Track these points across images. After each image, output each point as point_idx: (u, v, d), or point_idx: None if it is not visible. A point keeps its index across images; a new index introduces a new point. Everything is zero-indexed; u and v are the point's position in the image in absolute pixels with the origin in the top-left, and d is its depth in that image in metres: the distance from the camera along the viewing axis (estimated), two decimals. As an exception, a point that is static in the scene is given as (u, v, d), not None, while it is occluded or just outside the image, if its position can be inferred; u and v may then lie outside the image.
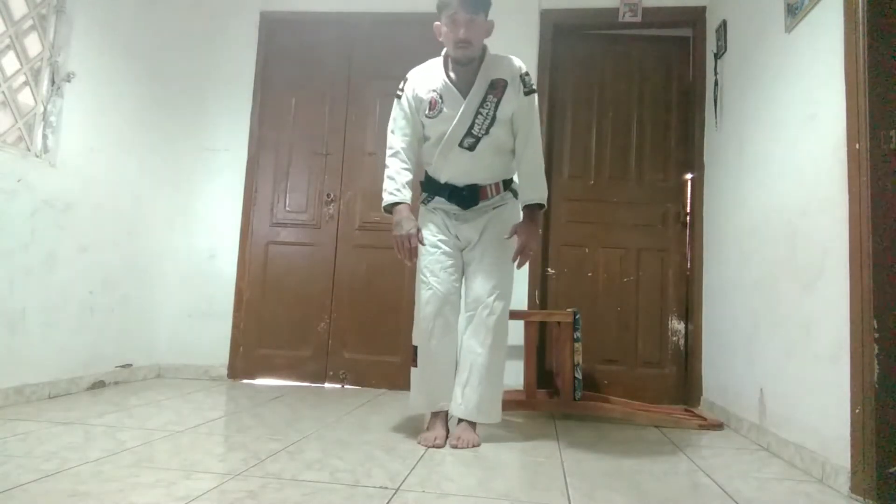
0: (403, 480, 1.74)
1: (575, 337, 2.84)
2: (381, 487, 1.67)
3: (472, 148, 2.25)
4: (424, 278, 2.31)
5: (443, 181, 2.35)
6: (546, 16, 3.61)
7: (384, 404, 3.01)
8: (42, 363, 2.73)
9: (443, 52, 2.29)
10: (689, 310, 3.44)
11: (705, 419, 2.83)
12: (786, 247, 2.31)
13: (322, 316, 3.61)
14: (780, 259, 2.35)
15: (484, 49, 2.26)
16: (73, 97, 2.87)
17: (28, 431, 2.11)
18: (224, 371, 3.59)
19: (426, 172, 2.41)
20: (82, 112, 2.94)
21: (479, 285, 2.30)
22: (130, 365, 3.36)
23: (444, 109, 2.24)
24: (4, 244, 2.52)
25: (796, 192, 2.24)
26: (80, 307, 2.97)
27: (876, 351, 1.72)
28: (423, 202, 2.42)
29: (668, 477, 1.94)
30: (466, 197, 2.33)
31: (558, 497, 1.67)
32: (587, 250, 3.58)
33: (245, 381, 3.57)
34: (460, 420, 2.28)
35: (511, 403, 2.72)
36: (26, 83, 2.71)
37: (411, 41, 3.60)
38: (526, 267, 3.18)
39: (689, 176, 3.53)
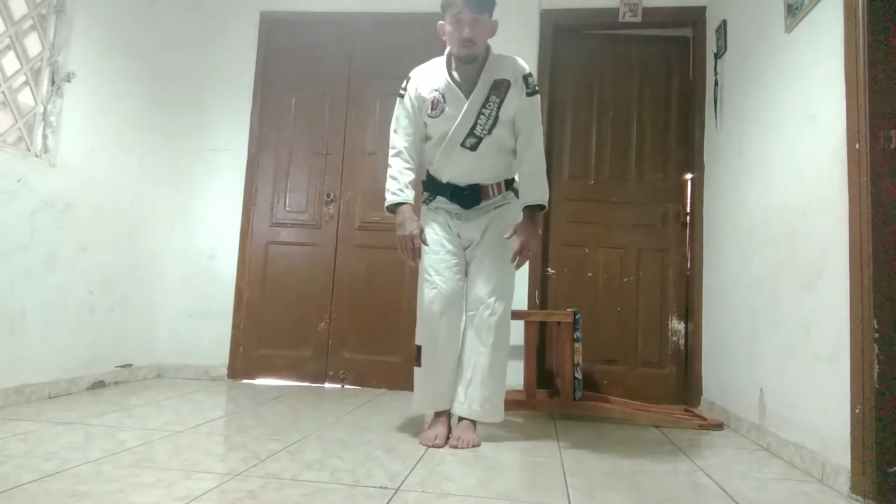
0: (403, 480, 1.74)
1: (575, 337, 2.84)
2: (381, 487, 1.67)
3: (474, 148, 2.25)
4: (429, 277, 2.31)
5: (444, 181, 2.35)
6: (546, 16, 3.61)
7: (384, 404, 3.01)
8: (42, 363, 2.73)
9: (446, 52, 2.29)
10: (689, 310, 3.45)
11: (705, 419, 2.83)
12: (786, 247, 2.31)
13: (322, 316, 3.61)
14: (780, 259, 2.35)
15: (487, 49, 2.26)
16: (73, 97, 2.87)
17: (28, 431, 2.11)
18: (224, 371, 3.59)
19: (427, 172, 2.41)
20: (82, 112, 2.94)
21: (481, 285, 2.31)
22: (130, 365, 3.36)
23: (447, 109, 2.24)
24: (4, 244, 2.52)
25: (796, 192, 2.24)
26: (80, 307, 2.97)
27: (876, 351, 1.72)
28: (424, 202, 2.42)
29: (668, 477, 1.94)
30: (468, 197, 2.33)
31: (558, 497, 1.67)
32: (587, 250, 3.58)
33: (245, 381, 3.57)
34: (461, 419, 2.28)
35: (511, 403, 2.71)
36: (26, 83, 2.71)
37: (411, 41, 3.60)
38: (526, 267, 3.19)
39: (689, 176, 3.53)
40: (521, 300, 3.35)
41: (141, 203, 3.38)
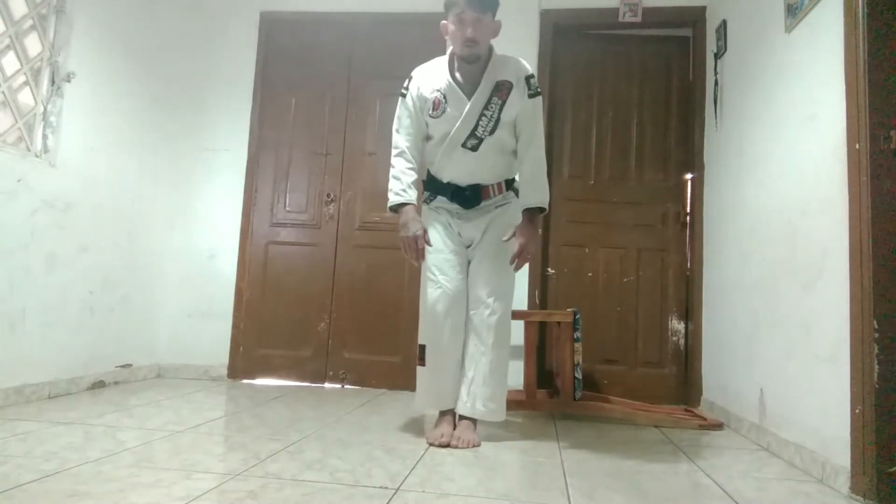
0: (403, 480, 1.74)
1: (575, 337, 2.84)
2: (381, 487, 1.67)
3: (475, 149, 2.25)
4: (433, 277, 2.31)
5: (445, 181, 2.35)
6: (546, 16, 3.61)
7: (384, 404, 3.01)
8: (42, 363, 2.73)
9: (448, 52, 2.28)
10: (689, 310, 3.45)
11: (705, 419, 2.83)
12: (786, 247, 2.31)
13: (322, 316, 3.61)
14: (780, 259, 2.35)
15: (490, 49, 2.26)
16: (73, 97, 2.87)
17: (28, 431, 2.11)
18: (224, 371, 3.59)
19: (428, 171, 2.41)
20: (82, 112, 2.94)
21: (482, 285, 2.31)
22: (130, 365, 3.36)
23: (448, 110, 2.23)
24: (4, 244, 2.52)
25: (796, 192, 2.24)
26: (80, 307, 2.97)
27: (876, 351, 1.72)
28: (425, 201, 2.42)
29: (668, 477, 1.94)
30: (469, 197, 2.33)
31: (558, 497, 1.67)
32: (587, 250, 3.58)
33: (245, 381, 3.57)
34: (462, 418, 2.28)
35: (511, 403, 2.71)
36: (26, 83, 2.71)
37: (411, 41, 3.61)
38: (526, 267, 3.18)
39: (689, 176, 3.53)
40: (521, 300, 3.35)
41: (141, 203, 3.38)
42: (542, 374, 3.28)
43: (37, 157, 2.73)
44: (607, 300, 3.53)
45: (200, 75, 3.75)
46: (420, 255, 2.24)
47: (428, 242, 2.27)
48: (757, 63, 2.71)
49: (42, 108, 2.78)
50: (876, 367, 1.72)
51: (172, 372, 3.60)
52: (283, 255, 3.68)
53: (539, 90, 2.27)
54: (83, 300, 2.98)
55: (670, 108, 3.63)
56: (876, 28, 1.82)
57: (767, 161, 2.54)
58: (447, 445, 2.16)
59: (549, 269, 3.57)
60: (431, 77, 2.28)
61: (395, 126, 2.34)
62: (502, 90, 2.21)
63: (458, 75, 2.25)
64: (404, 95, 2.31)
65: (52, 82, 2.80)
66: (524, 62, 2.28)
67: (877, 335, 1.72)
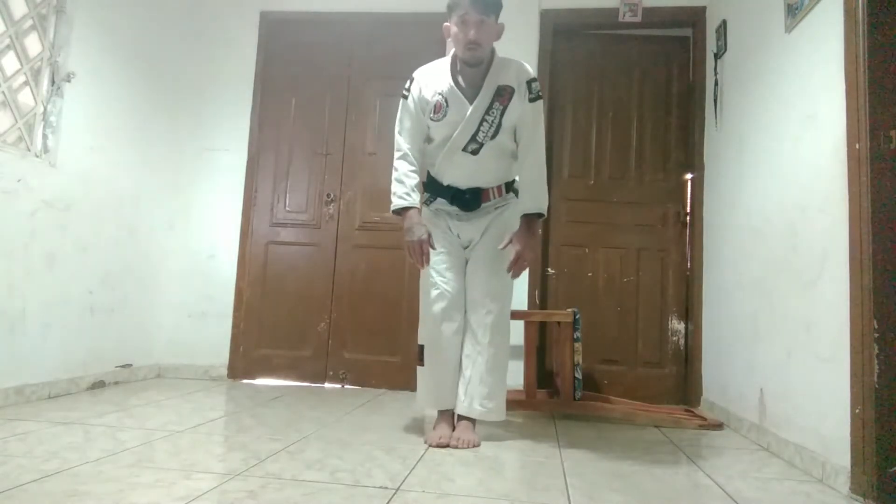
0: (403, 480, 1.74)
1: (575, 337, 2.84)
2: (381, 487, 1.67)
3: (475, 153, 2.25)
4: (432, 278, 2.31)
5: (445, 183, 2.34)
6: (546, 16, 3.61)
7: (384, 404, 3.01)
8: (42, 363, 2.73)
9: (451, 54, 2.27)
10: (689, 310, 3.45)
11: (705, 419, 2.83)
12: (786, 247, 2.31)
13: (322, 316, 3.61)
14: (780, 259, 2.35)
15: (492, 52, 2.24)
16: (73, 97, 2.87)
17: (28, 431, 2.11)
18: (224, 371, 3.59)
19: (428, 173, 2.40)
20: (82, 112, 2.94)
21: (479, 285, 2.30)
22: (130, 365, 3.36)
23: (449, 114, 2.22)
24: (4, 244, 2.52)
25: (796, 192, 2.24)
26: (80, 307, 2.97)
27: (876, 351, 1.72)
28: (425, 203, 2.42)
29: (668, 477, 1.94)
30: (469, 200, 2.33)
31: (558, 497, 1.67)
32: (587, 250, 3.58)
33: (245, 381, 3.57)
34: (461, 419, 2.28)
35: (511, 403, 2.71)
36: (26, 83, 2.71)
37: (411, 41, 3.61)
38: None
39: (689, 176, 3.53)
40: (521, 300, 3.35)
41: (141, 203, 3.39)
42: (542, 374, 3.28)
43: (37, 157, 2.73)
44: (607, 300, 3.53)
45: (200, 75, 3.76)
46: (426, 259, 2.23)
47: (433, 246, 2.26)
48: (757, 63, 2.71)
49: (42, 108, 2.78)
50: (876, 367, 1.72)
51: (172, 372, 3.60)
52: (283, 255, 3.68)
53: (540, 94, 2.25)
54: (83, 300, 2.98)
55: (670, 108, 3.63)
56: (876, 28, 1.82)
57: (767, 161, 2.54)
58: (446, 446, 2.16)
59: (549, 269, 3.57)
60: (433, 79, 2.27)
61: (397, 128, 2.33)
62: (504, 95, 2.20)
63: (459, 79, 2.24)
64: (406, 97, 2.30)
65: (52, 82, 2.80)
66: (526, 65, 2.27)
67: (877, 335, 1.72)
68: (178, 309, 3.64)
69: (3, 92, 2.59)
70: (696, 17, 3.53)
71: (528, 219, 2.26)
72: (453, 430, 2.26)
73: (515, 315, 2.66)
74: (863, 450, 1.73)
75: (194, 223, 3.72)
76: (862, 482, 1.73)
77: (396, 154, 2.31)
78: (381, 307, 3.56)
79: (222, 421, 2.50)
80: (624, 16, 3.55)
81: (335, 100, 3.74)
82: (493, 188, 2.34)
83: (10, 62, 2.63)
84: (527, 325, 2.97)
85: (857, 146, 1.82)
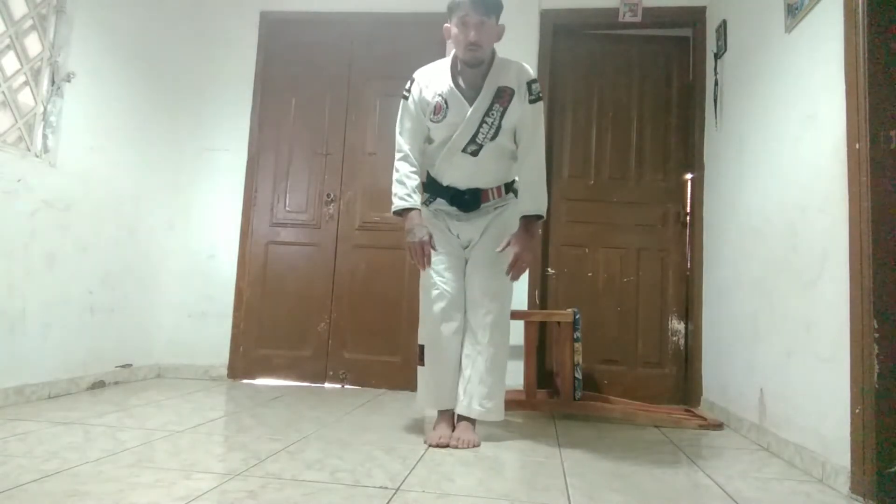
0: (403, 480, 1.74)
1: (575, 337, 2.84)
2: (381, 487, 1.67)
3: (475, 154, 2.25)
4: (432, 279, 2.30)
5: (445, 184, 2.34)
6: (546, 16, 3.61)
7: (384, 404, 3.01)
8: (42, 363, 2.73)
9: (451, 55, 2.27)
10: (689, 310, 3.45)
11: (705, 419, 2.83)
12: (786, 247, 2.31)
13: (322, 316, 3.61)
14: (780, 259, 2.35)
15: (493, 53, 2.24)
16: (73, 97, 2.87)
17: (28, 431, 2.11)
18: (224, 371, 3.59)
19: (428, 173, 2.40)
20: (82, 112, 2.94)
21: (479, 285, 2.30)
22: (130, 365, 3.36)
23: (449, 115, 2.22)
24: (4, 244, 2.52)
25: (796, 192, 2.24)
26: (80, 307, 2.97)
27: (876, 351, 1.72)
28: (424, 203, 2.41)
29: (668, 477, 1.94)
30: (468, 201, 2.32)
31: (558, 497, 1.67)
32: (587, 250, 3.58)
33: (245, 381, 3.57)
34: (461, 419, 2.28)
35: (511, 403, 2.71)
36: (26, 83, 2.71)
37: (411, 41, 3.61)
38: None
39: (689, 176, 3.53)
40: (521, 300, 3.35)
41: (141, 203, 3.39)
42: (542, 374, 3.28)
43: (37, 157, 2.73)
44: (607, 300, 3.53)
45: (200, 75, 3.76)
46: (428, 260, 2.23)
47: (434, 247, 2.26)
48: (757, 63, 2.71)
49: (42, 108, 2.78)
50: (876, 367, 1.71)
51: (172, 372, 3.60)
52: (283, 255, 3.68)
53: (540, 95, 2.25)
54: (83, 300, 2.98)
55: (670, 108, 3.63)
56: (876, 28, 1.82)
57: (767, 161, 2.54)
58: (446, 446, 2.16)
59: (549, 269, 3.57)
60: (433, 80, 2.26)
61: (397, 129, 2.32)
62: (504, 97, 2.20)
63: (459, 80, 2.24)
64: (406, 98, 2.29)
65: (52, 82, 2.80)
66: (527, 66, 2.26)
67: (877, 335, 1.72)
68: (178, 309, 3.64)
69: (3, 92, 2.59)
70: (696, 17, 3.53)
71: (527, 220, 2.26)
72: (453, 430, 2.26)
73: (515, 315, 2.66)
74: (863, 450, 1.73)
75: (194, 223, 3.72)
76: (862, 482, 1.73)
77: (398, 155, 2.30)
78: (381, 307, 3.56)
79: (222, 421, 2.50)
80: (624, 16, 3.55)
81: (335, 100, 3.74)
82: (492, 189, 2.34)
83: (10, 62, 2.63)
84: (527, 325, 2.97)
85: (857, 146, 1.82)
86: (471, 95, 2.21)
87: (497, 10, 2.17)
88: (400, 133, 2.31)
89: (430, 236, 2.24)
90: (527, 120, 2.24)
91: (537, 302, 3.46)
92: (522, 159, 2.29)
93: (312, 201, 3.70)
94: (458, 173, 2.30)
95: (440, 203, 2.38)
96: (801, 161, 2.22)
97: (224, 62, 3.79)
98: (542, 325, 3.32)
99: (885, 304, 1.73)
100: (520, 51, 2.92)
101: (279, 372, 3.58)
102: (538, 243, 3.28)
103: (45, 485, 1.55)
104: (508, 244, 2.22)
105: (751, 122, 2.75)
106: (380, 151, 3.59)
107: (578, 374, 2.83)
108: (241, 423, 2.45)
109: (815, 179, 2.11)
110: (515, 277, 2.26)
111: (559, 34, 3.65)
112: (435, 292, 2.30)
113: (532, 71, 2.28)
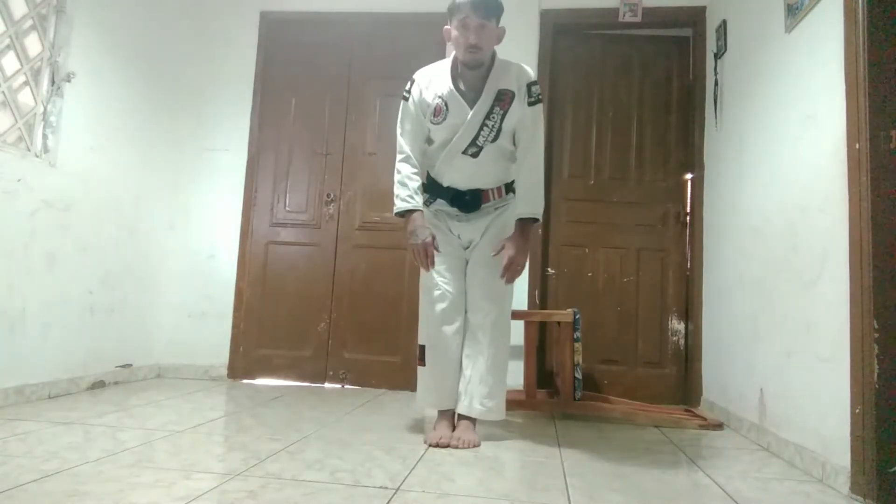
0: (403, 480, 1.74)
1: (575, 337, 2.84)
2: (381, 487, 1.67)
3: (475, 155, 2.25)
4: (433, 279, 2.30)
5: (445, 185, 2.34)
6: (546, 16, 3.61)
7: (384, 404, 3.01)
8: (42, 363, 2.73)
9: (451, 56, 2.27)
10: (689, 310, 3.45)
11: (705, 419, 2.83)
12: (786, 247, 2.31)
13: (322, 316, 3.61)
14: (780, 259, 2.35)
15: (493, 55, 2.24)
16: (73, 97, 2.87)
17: (28, 431, 2.11)
18: (224, 371, 3.59)
19: (428, 174, 2.40)
20: (82, 112, 2.94)
21: (480, 286, 2.30)
22: (130, 365, 3.36)
23: (449, 117, 2.22)
24: (4, 244, 2.52)
25: (796, 192, 2.24)
26: (80, 307, 2.97)
27: (876, 351, 1.72)
28: (425, 203, 2.41)
29: (668, 477, 1.94)
30: (469, 202, 2.32)
31: (558, 497, 1.67)
32: (587, 250, 3.58)
33: (245, 381, 3.57)
34: (461, 418, 2.28)
35: (511, 403, 2.71)
36: (26, 83, 2.71)
37: (411, 41, 3.61)
38: (526, 267, 3.19)
39: (688, 176, 3.53)
40: (521, 300, 3.35)
41: (141, 203, 3.39)
42: (542, 374, 3.28)
43: (37, 157, 2.73)
44: (607, 300, 3.53)
45: (200, 75, 3.76)
46: (431, 261, 2.23)
47: (437, 248, 2.26)
48: (757, 63, 2.71)
49: (42, 108, 2.78)
50: (876, 367, 1.71)
51: (172, 372, 3.60)
52: (283, 255, 3.68)
53: (540, 97, 2.25)
54: (83, 300, 2.98)
55: (670, 108, 3.63)
56: (876, 28, 1.82)
57: (767, 161, 2.54)
58: (447, 446, 2.16)
59: (549, 269, 3.57)
60: (433, 82, 2.26)
61: (398, 130, 2.32)
62: (504, 99, 2.20)
63: (460, 82, 2.23)
64: (406, 99, 2.29)
65: (52, 82, 2.80)
66: (527, 68, 2.26)
67: (877, 335, 1.72)
68: (178, 309, 3.64)
69: (3, 92, 2.59)
70: (696, 17, 3.53)
71: (523, 223, 2.26)
72: (453, 430, 2.26)
73: (515, 315, 2.66)
74: (863, 450, 1.73)
75: (194, 223, 3.72)
76: (862, 482, 1.73)
77: (399, 156, 2.30)
78: (381, 307, 3.56)
79: (222, 421, 2.50)
80: (624, 16, 3.55)
81: (335, 100, 3.74)
82: (492, 189, 2.34)
83: (10, 62, 2.63)
84: (527, 325, 2.97)
85: (857, 146, 1.82)
86: (471, 98, 2.21)
87: (497, 12, 2.17)
88: (401, 134, 2.31)
89: (434, 238, 2.24)
90: (526, 122, 2.24)
91: (537, 302, 3.46)
92: (521, 161, 2.28)
93: (312, 201, 3.70)
94: (459, 174, 2.30)
95: (441, 204, 2.37)
96: (801, 161, 2.22)
97: (224, 62, 3.79)
98: (542, 325, 3.33)
99: (884, 305, 1.73)
100: (520, 51, 2.92)
101: (279, 372, 3.58)
102: (535, 245, 3.28)
103: (45, 485, 1.55)
104: (503, 248, 2.22)
105: (751, 123, 2.75)
106: (380, 151, 3.59)
107: (578, 374, 2.83)
108: (241, 423, 2.45)
109: (815, 179, 2.11)
110: (510, 280, 2.26)
111: (559, 34, 3.65)
112: (436, 293, 2.30)
113: (532, 72, 2.27)
